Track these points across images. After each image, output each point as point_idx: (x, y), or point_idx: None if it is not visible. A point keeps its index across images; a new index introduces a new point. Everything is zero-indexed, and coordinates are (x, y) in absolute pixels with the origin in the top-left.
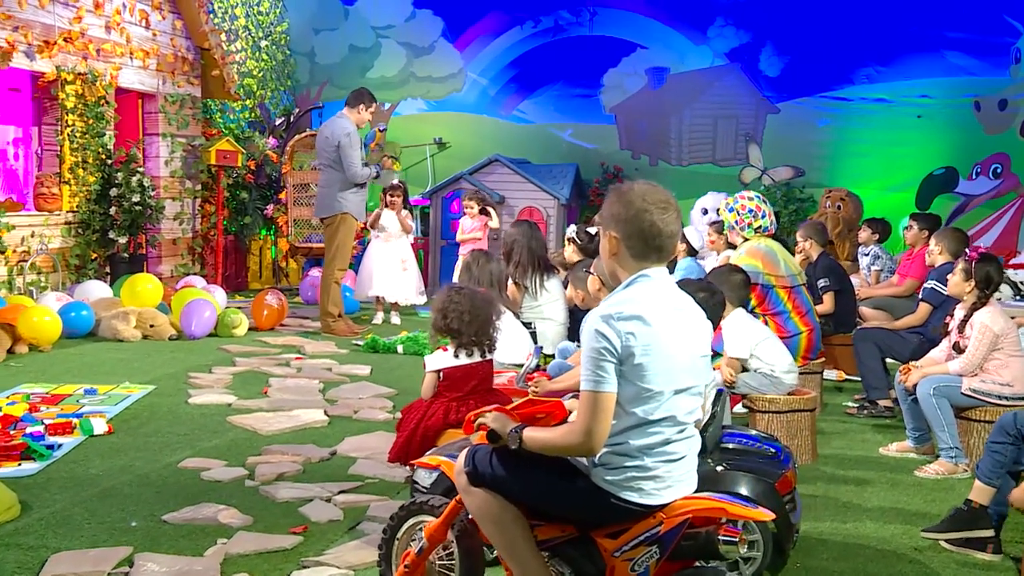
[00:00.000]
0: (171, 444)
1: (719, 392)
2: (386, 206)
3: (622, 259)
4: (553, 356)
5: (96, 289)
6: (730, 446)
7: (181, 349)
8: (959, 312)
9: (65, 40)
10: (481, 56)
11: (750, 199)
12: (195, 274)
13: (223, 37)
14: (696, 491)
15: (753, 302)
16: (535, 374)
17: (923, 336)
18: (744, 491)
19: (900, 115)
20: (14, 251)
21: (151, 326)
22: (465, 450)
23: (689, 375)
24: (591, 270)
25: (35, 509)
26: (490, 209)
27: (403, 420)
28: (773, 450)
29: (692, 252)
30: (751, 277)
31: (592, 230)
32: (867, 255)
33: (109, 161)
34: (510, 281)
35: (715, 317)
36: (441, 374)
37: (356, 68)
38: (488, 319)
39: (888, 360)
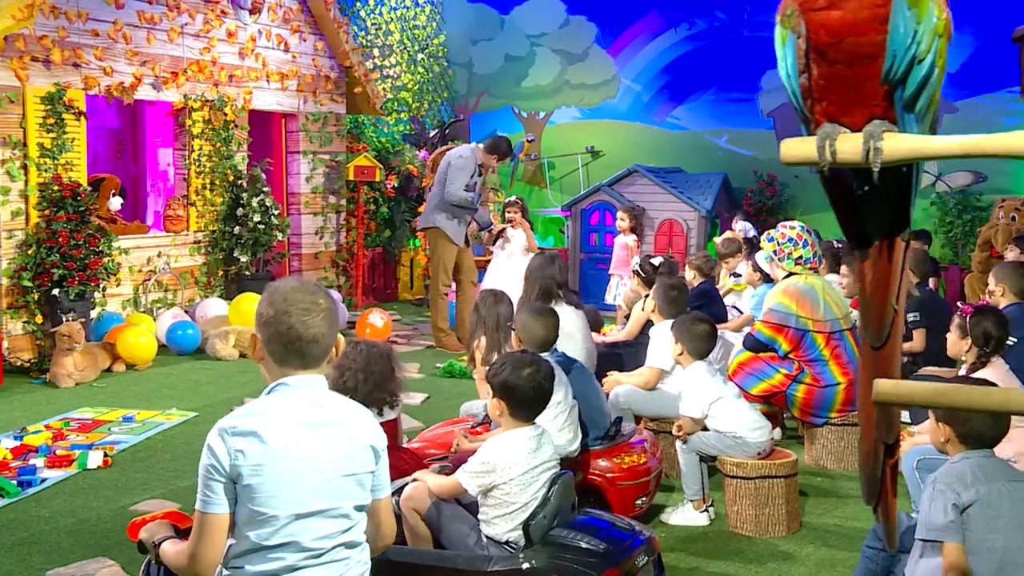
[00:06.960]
0: (149, 482)
1: (558, 475)
2: (508, 223)
3: (267, 363)
4: None
5: (215, 307)
6: (556, 539)
7: None
8: (962, 373)
9: (188, 70)
10: (635, 62)
11: (791, 228)
12: (333, 287)
13: (376, 52)
14: None
15: (785, 347)
16: (479, 428)
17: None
18: None
19: None
20: (140, 270)
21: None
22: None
23: (320, 498)
24: (511, 325)
25: None
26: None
27: None
28: (605, 545)
29: (768, 279)
30: (781, 319)
31: (656, 261)
32: None
33: (240, 182)
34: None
35: None
36: None
37: (511, 78)
38: (386, 375)
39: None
